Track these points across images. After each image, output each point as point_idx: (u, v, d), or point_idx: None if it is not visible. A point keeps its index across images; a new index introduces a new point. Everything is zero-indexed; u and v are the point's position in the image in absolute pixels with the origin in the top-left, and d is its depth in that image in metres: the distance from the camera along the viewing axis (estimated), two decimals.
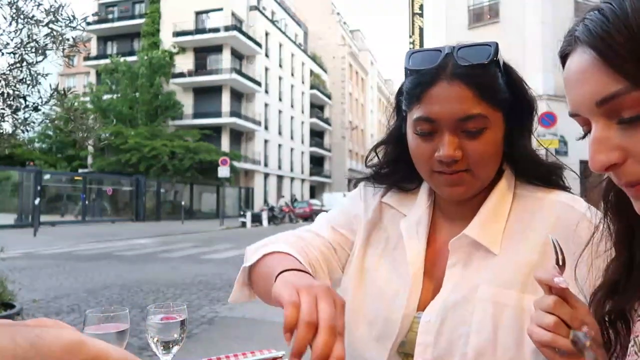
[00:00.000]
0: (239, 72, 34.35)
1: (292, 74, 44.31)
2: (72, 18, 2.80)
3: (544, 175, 0.84)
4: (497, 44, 0.77)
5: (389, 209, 0.95)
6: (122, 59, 32.72)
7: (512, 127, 0.81)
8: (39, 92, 2.94)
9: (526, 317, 0.72)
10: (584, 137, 0.54)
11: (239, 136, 36.23)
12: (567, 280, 0.60)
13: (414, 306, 0.83)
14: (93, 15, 36.12)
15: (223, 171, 21.29)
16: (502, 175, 0.85)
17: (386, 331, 0.83)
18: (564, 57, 0.55)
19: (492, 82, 0.77)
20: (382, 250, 0.92)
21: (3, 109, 2.91)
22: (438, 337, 0.78)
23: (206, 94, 34.51)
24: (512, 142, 0.82)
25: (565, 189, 0.85)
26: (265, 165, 38.37)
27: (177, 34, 34.55)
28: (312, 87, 48.16)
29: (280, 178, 41.53)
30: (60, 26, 2.81)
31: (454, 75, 0.76)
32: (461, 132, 0.77)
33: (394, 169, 0.93)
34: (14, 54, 2.83)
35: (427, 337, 0.79)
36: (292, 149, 43.94)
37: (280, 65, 41.57)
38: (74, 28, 2.84)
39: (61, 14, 2.77)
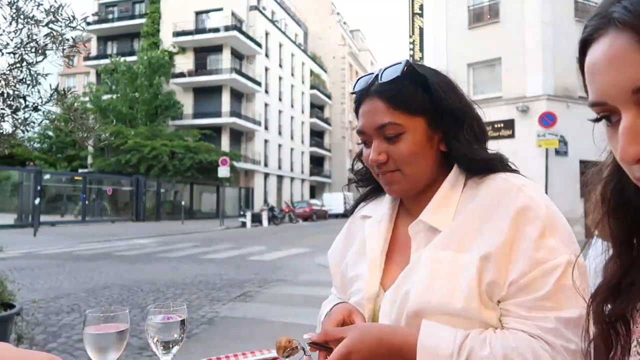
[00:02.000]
0: (239, 72, 34.35)
1: (292, 74, 44.30)
2: (72, 18, 2.79)
3: (487, 166, 0.93)
4: (407, 60, 0.91)
5: (363, 219, 1.09)
6: (121, 59, 32.73)
7: (443, 130, 0.92)
8: (38, 92, 2.93)
9: (459, 272, 0.84)
10: (597, 120, 0.52)
11: (239, 136, 36.22)
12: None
13: (374, 290, 0.95)
14: (93, 15, 36.13)
15: (223, 171, 21.29)
16: (450, 170, 0.96)
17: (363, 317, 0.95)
18: (586, 43, 0.51)
19: (403, 94, 0.90)
20: (357, 254, 1.05)
21: (3, 109, 2.90)
22: (392, 305, 0.90)
23: (206, 94, 34.50)
24: (447, 143, 0.93)
25: (512, 171, 0.94)
26: (265, 165, 38.37)
27: (177, 34, 34.54)
28: (312, 87, 48.17)
29: (280, 178, 41.53)
30: (60, 26, 2.80)
31: (373, 92, 0.92)
32: (384, 138, 0.91)
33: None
34: (14, 54, 2.83)
35: (385, 308, 0.92)
36: (292, 149, 43.93)
37: (280, 65, 41.57)
38: (74, 28, 2.83)
39: (61, 14, 2.77)
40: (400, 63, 0.91)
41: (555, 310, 0.79)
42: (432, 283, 0.85)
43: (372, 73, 0.96)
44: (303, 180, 46.92)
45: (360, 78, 0.98)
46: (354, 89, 0.97)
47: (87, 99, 31.33)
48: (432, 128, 0.92)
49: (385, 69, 0.92)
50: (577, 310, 0.78)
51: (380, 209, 1.05)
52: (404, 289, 0.88)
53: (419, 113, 0.91)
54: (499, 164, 0.93)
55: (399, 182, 0.93)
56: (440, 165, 0.95)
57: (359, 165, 1.10)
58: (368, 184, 1.10)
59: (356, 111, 0.97)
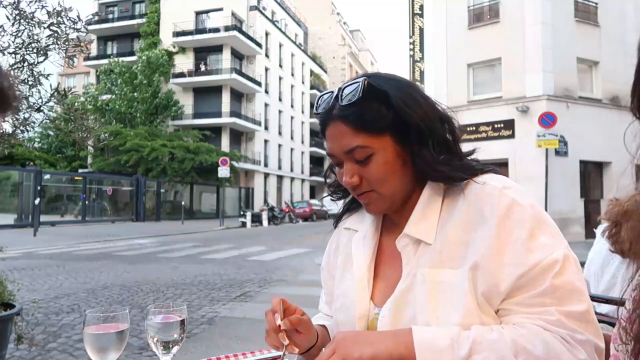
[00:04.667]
0: (239, 72, 34.34)
1: (292, 74, 44.29)
2: (77, 19, 2.80)
3: (455, 177, 0.89)
4: (364, 79, 0.89)
5: (347, 231, 1.09)
6: (119, 60, 32.73)
7: (411, 144, 0.89)
8: (39, 92, 2.94)
9: (456, 289, 0.82)
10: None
11: (239, 136, 36.22)
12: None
13: (365, 307, 0.94)
14: (93, 15, 36.13)
15: (223, 171, 21.29)
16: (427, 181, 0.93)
17: None
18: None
19: (365, 115, 0.88)
20: (342, 269, 1.04)
21: None
22: (393, 327, 0.87)
23: (206, 94, 34.50)
24: (412, 159, 0.90)
25: (489, 171, 0.91)
26: (265, 165, 38.37)
27: (177, 34, 34.54)
28: (312, 87, 48.15)
29: (280, 178, 41.53)
30: (64, 28, 2.81)
31: (336, 116, 0.90)
32: (355, 161, 0.90)
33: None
34: (16, 54, 2.83)
35: (383, 327, 0.89)
36: (292, 149, 43.92)
37: (280, 65, 41.56)
38: (78, 30, 2.83)
39: (66, 16, 2.77)
40: (358, 82, 0.89)
41: (556, 305, 0.78)
42: (435, 305, 0.84)
43: (332, 92, 0.93)
44: (303, 180, 46.91)
45: (322, 96, 0.95)
46: (316, 109, 0.95)
47: (84, 99, 31.29)
48: (400, 143, 0.90)
49: (345, 88, 0.90)
50: (580, 306, 0.78)
51: (364, 223, 1.04)
52: (408, 313, 0.86)
53: (385, 131, 0.88)
54: (469, 171, 0.90)
55: (375, 202, 0.93)
56: (417, 176, 0.93)
57: (332, 177, 1.08)
58: (343, 195, 1.09)
59: (322, 133, 0.96)
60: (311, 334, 0.96)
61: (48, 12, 2.77)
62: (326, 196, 1.13)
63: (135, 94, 31.73)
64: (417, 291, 0.86)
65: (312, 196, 46.59)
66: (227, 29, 33.72)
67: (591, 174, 15.06)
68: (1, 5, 2.74)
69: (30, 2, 2.76)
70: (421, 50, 19.77)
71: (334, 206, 1.19)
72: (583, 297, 0.79)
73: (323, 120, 0.94)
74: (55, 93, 2.90)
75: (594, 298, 1.46)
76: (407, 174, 0.92)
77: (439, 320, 0.82)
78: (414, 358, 0.76)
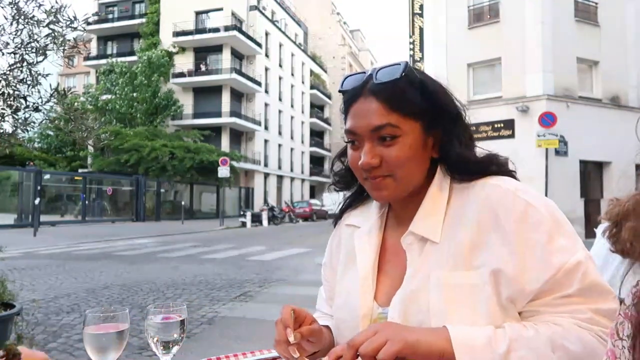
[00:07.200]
0: (239, 72, 34.35)
1: (292, 74, 44.30)
2: (73, 19, 2.80)
3: (480, 169, 0.90)
4: (406, 62, 0.89)
5: (348, 227, 1.06)
6: (119, 60, 32.74)
7: (438, 135, 0.90)
8: (39, 92, 2.94)
9: (476, 291, 0.81)
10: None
11: (239, 136, 36.23)
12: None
13: (369, 306, 0.92)
14: (93, 15, 36.17)
15: (223, 171, 21.30)
16: (434, 176, 0.93)
17: (354, 334, 0.90)
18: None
19: (401, 96, 0.87)
20: (344, 266, 1.02)
21: (3, 109, 2.91)
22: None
23: (206, 94, 34.51)
24: (439, 147, 0.91)
25: (507, 173, 0.91)
26: (265, 165, 38.38)
27: (177, 34, 34.56)
28: (312, 87, 48.18)
29: (280, 178, 41.54)
30: (62, 27, 2.81)
31: (369, 92, 0.88)
32: (378, 141, 0.87)
33: (354, 175, 1.01)
34: (15, 54, 2.83)
35: None
36: (292, 149, 43.93)
37: (280, 65, 41.57)
38: (75, 29, 2.83)
39: (62, 15, 2.77)
40: (399, 64, 0.88)
41: (587, 304, 0.79)
42: (452, 310, 0.82)
43: (364, 72, 0.92)
44: (303, 180, 46.92)
45: (350, 76, 0.94)
46: (342, 86, 0.93)
47: (84, 99, 31.29)
48: (426, 133, 0.89)
49: (381, 69, 0.89)
50: (610, 304, 0.80)
51: (368, 219, 1.02)
52: (421, 317, 0.83)
53: (416, 116, 0.88)
54: (494, 166, 0.90)
55: (388, 187, 0.89)
56: (428, 171, 0.93)
57: (338, 166, 1.07)
58: (347, 186, 1.07)
59: (346, 110, 0.93)
60: (321, 341, 0.95)
61: (45, 11, 2.76)
62: (330, 184, 1.12)
63: (135, 94, 31.73)
64: (430, 294, 0.84)
65: (312, 196, 46.60)
66: (227, 28, 33.73)
67: (591, 173, 15.06)
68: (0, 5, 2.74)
69: (27, 0, 2.76)
70: (421, 50, 19.75)
71: (334, 206, 1.18)
72: (611, 295, 0.81)
73: (353, 94, 0.91)
74: (55, 93, 2.90)
75: None
76: (425, 166, 0.91)
77: (457, 323, 0.80)
78: (452, 354, 0.75)
